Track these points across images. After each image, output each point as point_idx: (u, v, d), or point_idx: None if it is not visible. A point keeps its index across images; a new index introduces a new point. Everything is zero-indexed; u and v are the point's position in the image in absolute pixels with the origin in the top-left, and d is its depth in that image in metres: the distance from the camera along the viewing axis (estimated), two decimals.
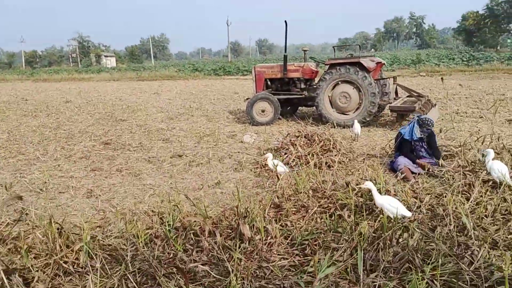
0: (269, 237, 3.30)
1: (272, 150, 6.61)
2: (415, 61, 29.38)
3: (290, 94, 9.86)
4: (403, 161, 5.34)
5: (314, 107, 9.52)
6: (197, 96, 17.10)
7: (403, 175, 4.96)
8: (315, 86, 9.57)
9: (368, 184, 3.64)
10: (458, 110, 10.51)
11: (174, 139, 8.47)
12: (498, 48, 47.57)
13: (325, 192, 4.17)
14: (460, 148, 5.80)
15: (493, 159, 4.19)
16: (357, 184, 4.15)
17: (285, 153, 6.14)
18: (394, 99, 9.07)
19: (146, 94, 18.93)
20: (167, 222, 3.60)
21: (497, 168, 4.06)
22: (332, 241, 3.23)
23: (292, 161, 5.96)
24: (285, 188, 4.40)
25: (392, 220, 3.38)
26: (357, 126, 7.53)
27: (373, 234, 3.09)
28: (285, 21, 9.61)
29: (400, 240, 2.98)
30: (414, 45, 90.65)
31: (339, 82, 8.90)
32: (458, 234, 3.21)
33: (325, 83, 8.96)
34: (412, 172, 5.25)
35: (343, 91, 8.84)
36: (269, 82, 10.30)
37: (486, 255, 2.85)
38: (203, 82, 25.40)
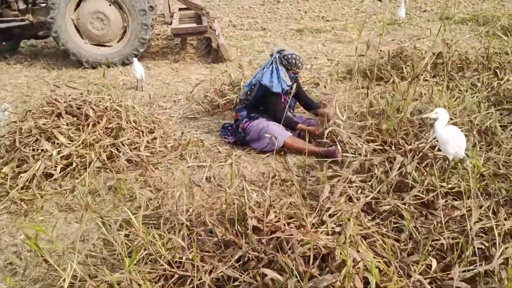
0: None
1: (4, 143, 3.36)
2: None
3: (3, 21, 5.97)
4: (281, 133, 3.27)
5: (52, 39, 6.09)
6: None
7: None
8: (44, 6, 6.02)
9: None
10: (230, 21, 8.85)
11: None
12: None
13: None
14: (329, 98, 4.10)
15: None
16: None
17: (33, 155, 3.09)
18: (171, 17, 6.54)
19: None
20: None
21: (455, 142, 2.43)
22: None
23: (54, 169, 3.03)
24: None
25: None
26: (138, 68, 4.84)
27: None
28: None
29: None
30: None
31: None
32: None
33: (62, 0, 5.59)
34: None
35: (95, 11, 5.71)
36: None
37: None
38: None
